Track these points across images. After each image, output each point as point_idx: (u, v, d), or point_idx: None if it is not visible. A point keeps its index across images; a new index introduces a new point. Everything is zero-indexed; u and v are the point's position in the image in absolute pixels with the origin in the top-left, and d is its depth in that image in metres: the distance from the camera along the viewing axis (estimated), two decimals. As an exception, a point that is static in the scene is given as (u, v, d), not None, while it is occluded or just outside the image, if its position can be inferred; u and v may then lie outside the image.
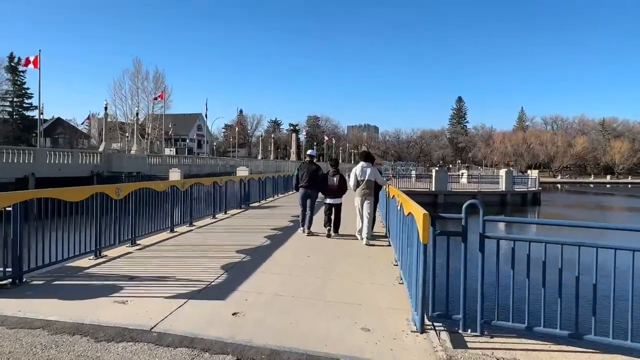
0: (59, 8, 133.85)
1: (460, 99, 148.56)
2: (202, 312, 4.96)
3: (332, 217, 10.54)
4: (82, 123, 75.01)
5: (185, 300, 5.31)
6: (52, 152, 34.56)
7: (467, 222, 4.51)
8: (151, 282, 6.12)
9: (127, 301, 5.25)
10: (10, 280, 5.90)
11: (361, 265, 7.47)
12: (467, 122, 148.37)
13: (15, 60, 70.67)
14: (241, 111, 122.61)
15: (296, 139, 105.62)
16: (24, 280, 6.08)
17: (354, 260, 7.91)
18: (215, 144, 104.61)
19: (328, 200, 10.60)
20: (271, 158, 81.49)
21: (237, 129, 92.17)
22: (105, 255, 7.81)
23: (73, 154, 36.14)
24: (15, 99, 72.10)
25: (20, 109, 73.60)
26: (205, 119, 79.13)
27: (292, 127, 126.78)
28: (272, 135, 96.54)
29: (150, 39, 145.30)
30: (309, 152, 11.45)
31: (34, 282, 6.08)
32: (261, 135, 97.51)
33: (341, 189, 10.56)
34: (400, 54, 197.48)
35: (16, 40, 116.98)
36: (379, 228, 11.24)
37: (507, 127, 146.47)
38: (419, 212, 4.33)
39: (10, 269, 5.91)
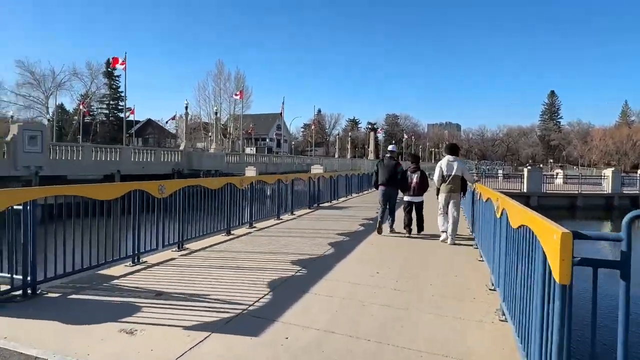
0: (155, 15, 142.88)
1: (553, 93, 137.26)
2: (223, 354, 3.64)
3: (413, 216, 9.96)
4: (167, 122, 78.63)
5: (208, 333, 4.03)
6: (136, 151, 35.95)
7: (631, 246, 2.74)
8: (178, 301, 4.94)
9: (136, 330, 4.08)
10: (21, 291, 5.03)
11: (445, 286, 5.79)
12: (560, 117, 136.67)
13: (111, 65, 75.91)
14: (319, 110, 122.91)
15: (374, 138, 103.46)
16: (38, 291, 5.19)
17: (436, 276, 6.24)
18: (293, 143, 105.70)
19: (407, 198, 10.05)
20: (348, 157, 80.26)
21: (313, 127, 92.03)
22: (145, 262, 6.84)
23: (155, 153, 37.38)
24: (111, 102, 77.62)
25: (115, 111, 79.06)
26: (283, 117, 79.91)
27: (370, 126, 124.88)
28: (350, 134, 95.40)
29: (231, 41, 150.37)
30: (389, 147, 10.72)
31: (49, 295, 5.17)
32: (339, 134, 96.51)
33: (422, 186, 9.98)
34: (479, 51, 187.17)
35: (111, 47, 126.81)
36: (463, 229, 9.80)
37: (606, 123, 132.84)
38: (548, 229, 2.65)
39: (25, 278, 5.04)
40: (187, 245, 8.10)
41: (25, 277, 5.02)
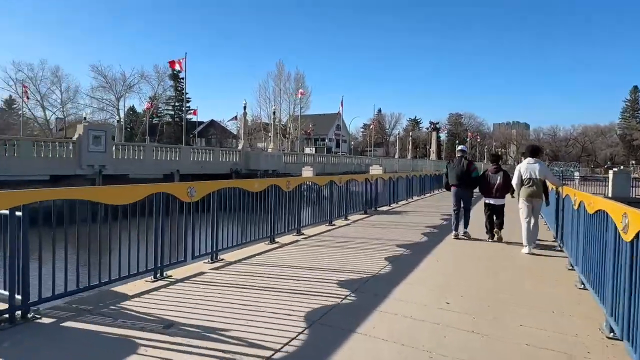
0: (221, 17, 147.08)
1: (636, 89, 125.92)
2: None
3: (495, 220, 9.38)
4: (229, 120, 79.98)
5: (210, 399, 2.89)
6: (195, 151, 36.23)
7: None
8: (189, 338, 3.84)
9: (116, 387, 3.02)
10: (7, 315, 4.16)
11: (542, 327, 4.28)
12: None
13: (177, 68, 78.34)
14: (379, 110, 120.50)
15: (436, 138, 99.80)
16: (30, 314, 4.30)
17: (527, 310, 4.73)
18: (353, 143, 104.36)
19: (489, 201, 9.46)
20: (409, 157, 77.71)
21: (372, 127, 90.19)
22: (169, 277, 5.87)
23: (214, 152, 37.52)
24: (176, 103, 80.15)
25: (180, 112, 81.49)
26: (342, 117, 78.86)
27: (432, 125, 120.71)
28: (411, 133, 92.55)
29: (292, 42, 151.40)
30: (460, 147, 10.22)
31: (42, 320, 4.26)
32: (399, 134, 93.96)
33: (505, 188, 9.27)
34: (550, 47, 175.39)
35: (180, 50, 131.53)
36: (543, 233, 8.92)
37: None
38: None
39: (11, 298, 4.18)
40: (222, 256, 7.09)
41: (11, 296, 4.15)
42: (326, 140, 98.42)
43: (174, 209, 6.14)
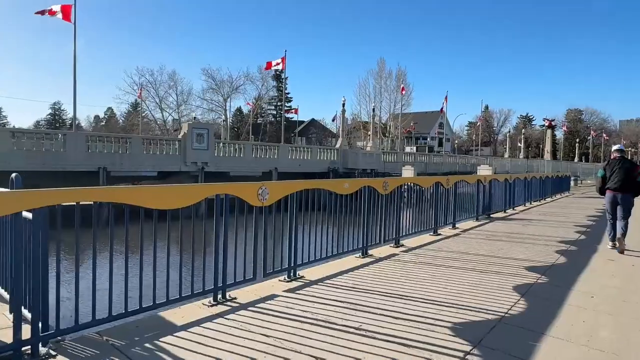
0: (323, 18, 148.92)
1: None
2: None
3: None
4: (333, 120, 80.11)
5: None
6: (293, 149, 35.99)
7: None
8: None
9: None
10: (11, 352, 3.21)
11: None
12: None
13: (280, 68, 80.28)
14: (487, 107, 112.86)
15: (551, 136, 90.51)
16: (43, 351, 3.32)
17: None
18: (457, 142, 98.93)
19: None
20: (521, 157, 71.28)
21: (479, 124, 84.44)
22: (231, 300, 4.70)
23: (312, 151, 37.03)
24: (278, 103, 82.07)
25: (282, 112, 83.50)
26: (446, 115, 74.78)
27: (547, 122, 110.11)
28: (522, 131, 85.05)
29: (394, 38, 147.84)
30: (616, 147, 8.78)
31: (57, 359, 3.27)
32: (509, 132, 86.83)
33: None
34: None
35: (279, 51, 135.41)
36: None
37: None
38: None
39: (16, 331, 3.24)
40: (302, 272, 5.80)
41: (17, 326, 3.19)
42: (428, 139, 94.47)
43: (243, 215, 4.96)
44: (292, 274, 5.61)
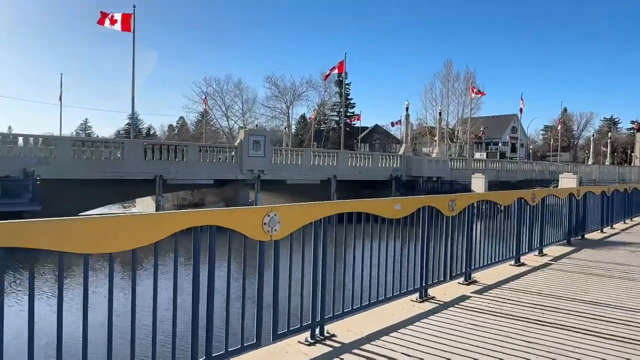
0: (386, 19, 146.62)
1: None
2: None
3: None
4: (393, 126, 77.69)
5: None
6: (353, 156, 34.45)
7: None
8: None
9: None
10: None
11: None
12: None
13: (343, 74, 79.18)
14: (565, 109, 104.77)
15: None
16: None
17: None
18: (531, 147, 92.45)
19: None
20: (607, 163, 64.81)
21: (558, 127, 78.14)
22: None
23: (373, 157, 35.27)
24: (340, 109, 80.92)
25: (344, 118, 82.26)
26: (519, 119, 69.75)
27: (635, 125, 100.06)
28: (608, 135, 77.62)
29: (464, 38, 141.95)
30: None
31: None
32: (592, 136, 79.52)
33: None
34: None
35: (339, 56, 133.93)
36: None
37: None
38: None
39: None
40: (332, 329, 4.18)
41: None
42: (499, 145, 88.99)
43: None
44: (317, 333, 4.03)
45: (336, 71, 36.98)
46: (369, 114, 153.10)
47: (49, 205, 20.30)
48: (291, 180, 29.89)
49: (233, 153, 27.88)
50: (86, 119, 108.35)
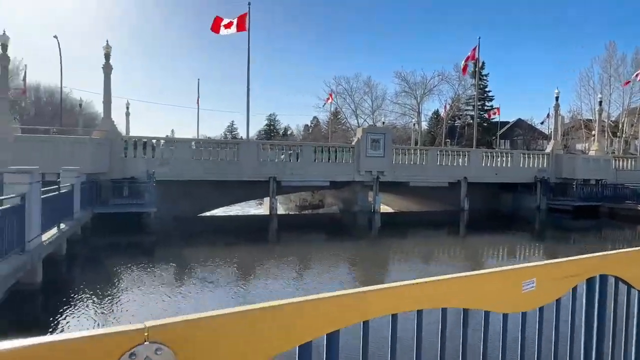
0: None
1: None
2: None
3: None
4: (542, 123, 68.78)
5: None
6: (487, 154, 30.10)
7: None
8: None
9: None
10: None
11: None
12: None
13: (479, 65, 72.60)
14: None
15: None
16: None
17: None
18: None
19: None
20: None
21: None
22: None
23: (512, 156, 30.41)
24: (477, 103, 74.27)
25: (481, 112, 75.39)
26: None
27: None
28: None
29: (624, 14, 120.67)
30: None
31: None
32: None
33: None
34: None
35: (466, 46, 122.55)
36: None
37: None
38: None
39: None
40: None
41: None
42: (680, 139, 73.34)
43: None
44: None
45: (471, 61, 32.70)
46: (510, 107, 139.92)
47: (167, 207, 20.72)
48: (414, 182, 27.01)
49: (350, 153, 26.01)
50: (232, 122, 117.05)
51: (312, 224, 26.91)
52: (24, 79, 39.74)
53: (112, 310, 8.64)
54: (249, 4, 24.06)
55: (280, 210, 27.51)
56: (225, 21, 23.63)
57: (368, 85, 74.06)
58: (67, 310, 8.41)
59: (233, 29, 23.78)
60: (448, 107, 69.94)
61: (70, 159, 18.88)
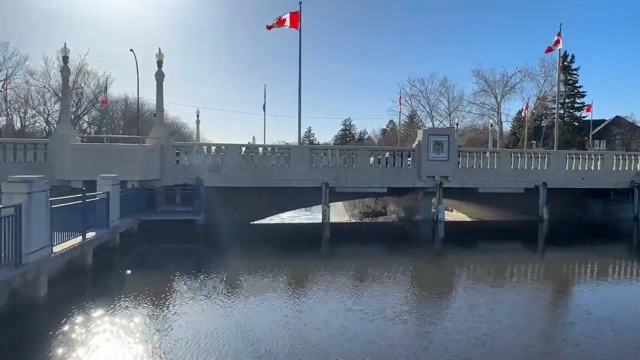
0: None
1: None
2: None
3: None
4: (645, 119, 60.92)
5: None
6: (572, 156, 26.41)
7: None
8: None
9: None
10: None
11: None
12: None
13: (569, 59, 66.17)
14: None
15: None
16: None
17: None
18: None
19: None
20: None
21: None
22: None
23: (603, 158, 26.49)
24: (566, 100, 67.56)
25: (571, 110, 68.57)
26: None
27: None
28: None
29: None
30: None
31: None
32: None
33: None
34: None
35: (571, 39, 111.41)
36: None
37: None
38: None
39: None
40: None
41: None
42: None
43: None
44: None
45: (558, 46, 28.94)
46: (606, 104, 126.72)
47: (215, 214, 20.27)
48: (484, 188, 24.36)
49: (410, 156, 24.04)
50: (309, 127, 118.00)
51: (366, 234, 25.07)
52: (105, 90, 42.36)
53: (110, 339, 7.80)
54: (300, 3, 23.20)
55: (334, 219, 26.07)
56: (282, 17, 23.22)
57: (444, 86, 70.55)
58: (53, 334, 7.69)
59: (287, 24, 23.17)
60: (532, 105, 64.19)
61: (122, 167, 19.04)
